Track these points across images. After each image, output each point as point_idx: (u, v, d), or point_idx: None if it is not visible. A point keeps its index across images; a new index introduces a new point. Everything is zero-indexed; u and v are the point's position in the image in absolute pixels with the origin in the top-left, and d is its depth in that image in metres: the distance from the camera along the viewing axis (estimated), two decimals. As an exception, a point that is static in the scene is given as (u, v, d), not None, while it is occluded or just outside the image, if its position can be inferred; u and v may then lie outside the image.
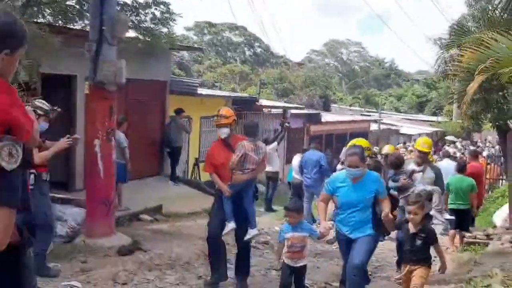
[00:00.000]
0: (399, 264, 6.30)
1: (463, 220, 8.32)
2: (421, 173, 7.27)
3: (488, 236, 7.63)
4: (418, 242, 4.78)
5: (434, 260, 5.05)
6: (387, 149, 10.23)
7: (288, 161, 16.25)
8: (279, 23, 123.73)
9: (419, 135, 29.91)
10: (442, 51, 11.01)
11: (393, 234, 6.90)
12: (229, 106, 15.95)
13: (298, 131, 20.32)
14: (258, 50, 57.95)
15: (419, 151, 7.58)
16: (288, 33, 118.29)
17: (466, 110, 7.85)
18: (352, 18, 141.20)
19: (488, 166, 15.95)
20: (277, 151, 13.08)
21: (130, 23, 9.42)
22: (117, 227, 7.95)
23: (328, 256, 7.72)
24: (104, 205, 7.46)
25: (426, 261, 4.82)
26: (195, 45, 37.14)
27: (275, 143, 12.77)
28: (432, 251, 4.99)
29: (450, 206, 8.41)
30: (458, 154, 22.12)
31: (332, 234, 5.99)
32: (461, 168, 8.70)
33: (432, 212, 7.05)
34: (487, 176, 14.92)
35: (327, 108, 34.62)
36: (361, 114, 35.48)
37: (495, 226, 8.60)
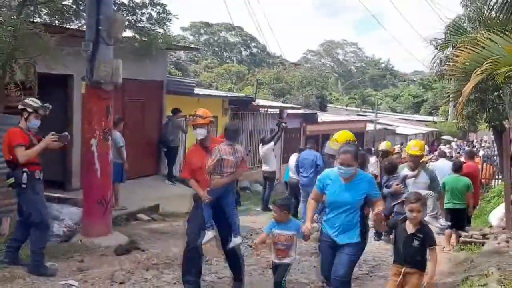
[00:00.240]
0: None
1: (459, 220, 8.36)
2: (413, 178, 7.06)
3: (484, 236, 7.65)
4: (416, 243, 4.53)
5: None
6: (384, 145, 10.22)
7: (285, 160, 16.27)
8: (275, 24, 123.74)
9: (415, 135, 30.06)
10: (437, 51, 11.06)
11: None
12: (226, 106, 16.05)
13: (295, 131, 20.33)
14: (255, 50, 58.03)
15: (410, 155, 7.25)
16: (284, 33, 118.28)
17: (462, 110, 7.83)
18: (348, 19, 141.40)
19: (484, 165, 16.00)
20: (274, 151, 13.09)
21: (127, 23, 9.42)
22: (114, 227, 7.95)
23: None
24: (101, 205, 7.47)
25: (421, 265, 4.59)
26: (192, 45, 37.10)
27: (272, 143, 12.78)
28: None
29: (446, 206, 8.44)
30: (453, 154, 22.26)
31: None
32: (457, 168, 8.73)
33: (426, 218, 6.80)
34: (482, 176, 14.95)
35: (323, 108, 34.69)
36: (357, 114, 35.56)
37: (491, 226, 8.62)
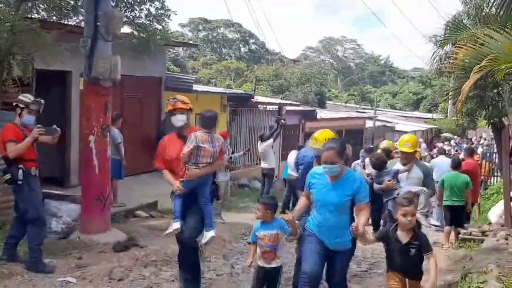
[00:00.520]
0: None
1: (458, 217, 8.36)
2: (406, 173, 6.77)
3: (483, 233, 7.64)
4: (412, 252, 4.10)
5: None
6: (385, 144, 10.17)
7: (284, 157, 16.27)
8: (274, 20, 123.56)
9: (415, 132, 30.01)
10: (437, 48, 11.03)
11: None
12: (225, 102, 16.03)
13: (294, 128, 20.31)
14: (254, 47, 57.97)
15: (402, 152, 6.85)
16: (283, 30, 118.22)
17: (462, 107, 7.79)
18: (348, 15, 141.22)
19: (482, 162, 16.02)
20: (272, 147, 13.09)
21: (125, 19, 9.38)
22: (113, 223, 7.94)
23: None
24: (99, 201, 7.45)
25: (421, 275, 4.20)
26: (190, 42, 37.05)
27: (271, 139, 12.77)
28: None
29: (445, 203, 8.44)
30: (452, 152, 22.28)
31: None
32: (456, 165, 8.72)
33: (416, 215, 6.43)
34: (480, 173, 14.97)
35: (322, 105, 34.69)
36: (357, 111, 35.51)
37: (490, 223, 8.61)
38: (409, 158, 6.81)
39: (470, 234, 7.76)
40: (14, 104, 5.82)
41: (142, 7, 10.39)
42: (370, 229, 9.56)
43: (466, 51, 6.87)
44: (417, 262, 4.13)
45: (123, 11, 9.77)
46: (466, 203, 8.44)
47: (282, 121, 13.78)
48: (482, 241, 7.26)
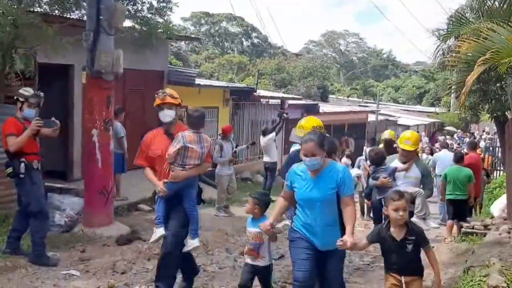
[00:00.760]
0: None
1: (460, 211, 8.36)
2: (404, 172, 6.52)
3: (485, 227, 7.65)
4: (409, 247, 3.90)
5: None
6: (387, 134, 10.11)
7: (286, 151, 16.25)
8: (277, 14, 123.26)
9: (417, 126, 29.97)
10: (440, 42, 10.98)
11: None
12: (227, 96, 16.01)
13: (296, 122, 20.26)
14: (256, 40, 57.81)
15: (403, 150, 6.60)
16: (286, 24, 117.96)
17: (465, 100, 7.74)
18: (350, 9, 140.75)
19: (485, 156, 16.02)
20: (275, 142, 13.08)
21: (127, 12, 9.36)
22: (116, 217, 7.98)
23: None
24: (103, 195, 7.49)
25: (420, 271, 4.01)
26: (193, 36, 36.97)
27: (273, 133, 12.77)
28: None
29: (448, 197, 8.45)
30: (454, 146, 22.25)
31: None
32: (458, 159, 8.72)
33: (413, 219, 6.04)
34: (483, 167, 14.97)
35: (325, 99, 34.61)
36: (359, 105, 35.46)
37: (492, 217, 8.61)
38: (409, 157, 6.57)
39: (473, 228, 7.77)
40: (14, 98, 5.84)
41: (144, 0, 10.36)
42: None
43: (469, 44, 6.82)
44: (414, 258, 3.95)
45: (125, 5, 9.74)
46: (469, 197, 8.45)
47: (285, 115, 13.76)
48: (485, 234, 7.26)
